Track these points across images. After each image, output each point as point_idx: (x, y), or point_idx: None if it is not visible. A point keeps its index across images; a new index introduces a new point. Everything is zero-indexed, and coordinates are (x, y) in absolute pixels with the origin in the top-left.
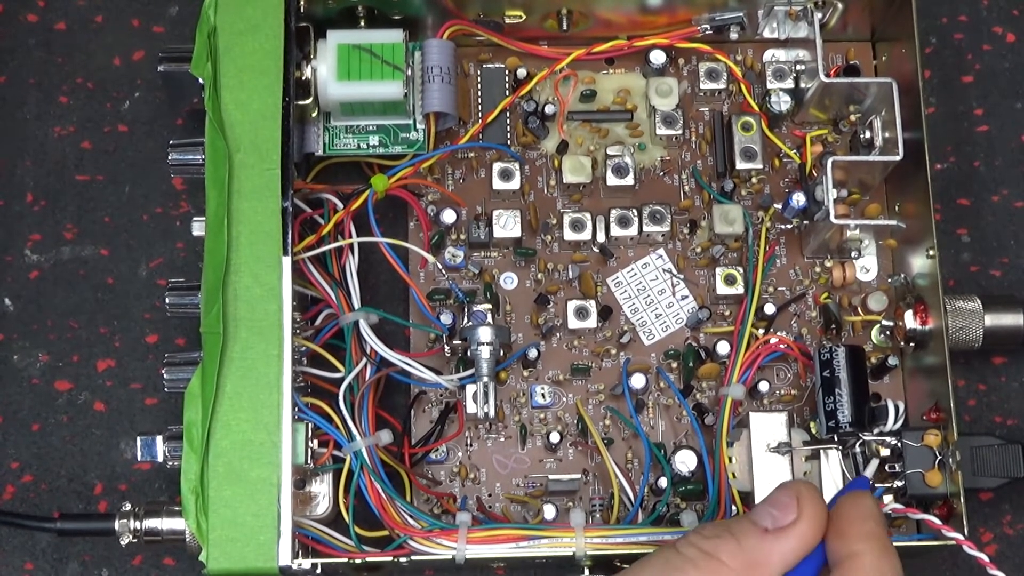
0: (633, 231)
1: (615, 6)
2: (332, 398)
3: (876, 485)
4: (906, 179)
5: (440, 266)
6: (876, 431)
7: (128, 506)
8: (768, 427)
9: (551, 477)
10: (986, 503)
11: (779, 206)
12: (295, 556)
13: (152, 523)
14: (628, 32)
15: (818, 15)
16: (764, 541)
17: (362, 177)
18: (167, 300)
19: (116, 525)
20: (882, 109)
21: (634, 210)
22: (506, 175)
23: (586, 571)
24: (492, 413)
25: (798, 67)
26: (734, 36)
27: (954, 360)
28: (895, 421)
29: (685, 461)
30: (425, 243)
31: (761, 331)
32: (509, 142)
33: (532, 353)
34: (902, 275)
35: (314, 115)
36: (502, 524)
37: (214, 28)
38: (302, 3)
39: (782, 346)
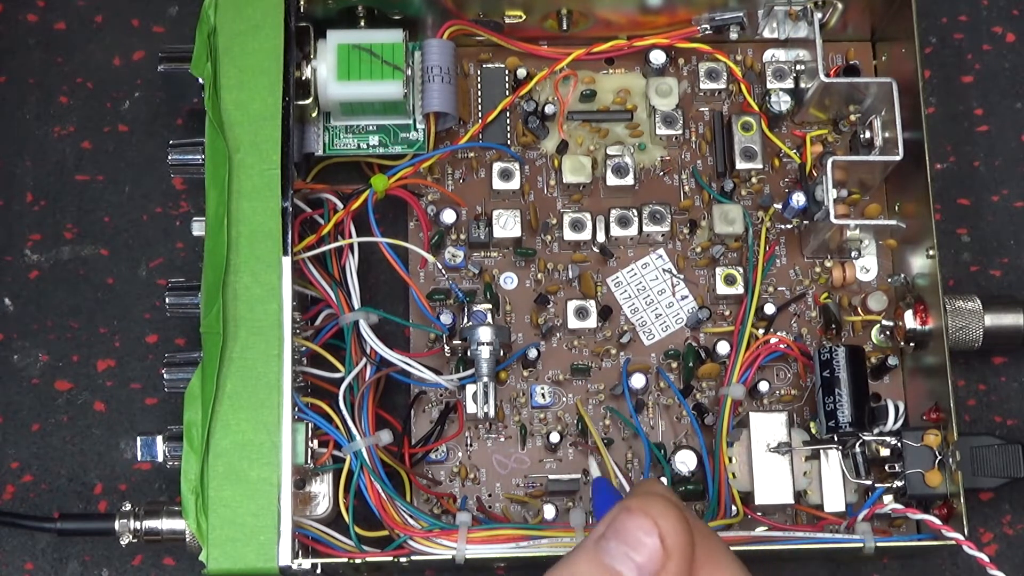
0: (633, 231)
1: (615, 6)
2: (332, 398)
3: (876, 485)
4: (906, 179)
5: (440, 266)
6: (876, 431)
7: (128, 506)
8: (768, 427)
9: (551, 477)
10: (986, 503)
11: (779, 206)
12: (295, 556)
13: (152, 523)
14: (628, 32)
15: (818, 15)
16: None
17: (362, 177)
18: (167, 300)
19: (116, 525)
20: (882, 109)
21: (634, 210)
22: (506, 175)
23: None
24: (492, 413)
25: (798, 67)
26: (734, 36)
27: (954, 360)
28: (895, 421)
29: (685, 461)
30: (425, 243)
31: (761, 331)
32: (509, 142)
33: (532, 353)
34: (902, 275)
35: (314, 115)
36: (502, 524)
37: (214, 28)
38: (302, 3)
39: (782, 346)
